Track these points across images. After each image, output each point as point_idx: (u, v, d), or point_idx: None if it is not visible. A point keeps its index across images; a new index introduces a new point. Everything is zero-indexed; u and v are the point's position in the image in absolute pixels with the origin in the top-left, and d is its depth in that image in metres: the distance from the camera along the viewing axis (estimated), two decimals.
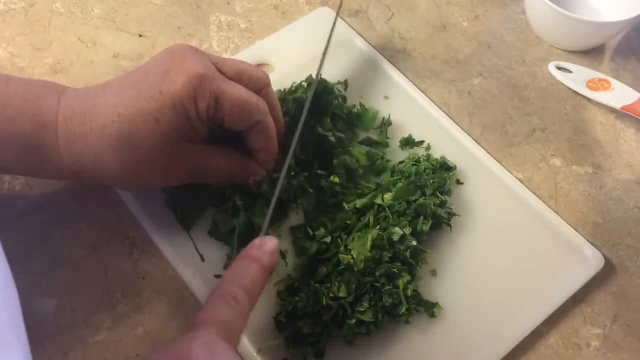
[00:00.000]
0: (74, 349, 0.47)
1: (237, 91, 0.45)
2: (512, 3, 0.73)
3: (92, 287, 0.49)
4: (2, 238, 0.50)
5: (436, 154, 0.57)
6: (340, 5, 0.58)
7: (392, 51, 0.66)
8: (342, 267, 0.48)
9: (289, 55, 0.62)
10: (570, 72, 0.67)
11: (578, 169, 0.61)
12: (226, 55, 0.64)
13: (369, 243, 0.48)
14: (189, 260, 0.50)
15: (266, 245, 0.42)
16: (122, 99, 0.43)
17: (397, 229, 0.49)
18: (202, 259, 0.50)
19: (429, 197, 0.52)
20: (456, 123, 0.61)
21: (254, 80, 0.48)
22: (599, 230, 0.57)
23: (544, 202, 0.57)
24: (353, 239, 0.49)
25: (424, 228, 0.50)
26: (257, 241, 0.43)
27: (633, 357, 0.51)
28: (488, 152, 0.59)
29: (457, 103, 0.63)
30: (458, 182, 0.57)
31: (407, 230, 0.49)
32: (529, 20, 0.70)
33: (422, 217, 0.51)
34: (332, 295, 0.47)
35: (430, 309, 0.50)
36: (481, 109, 0.63)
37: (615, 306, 0.53)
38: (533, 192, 0.57)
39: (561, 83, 0.66)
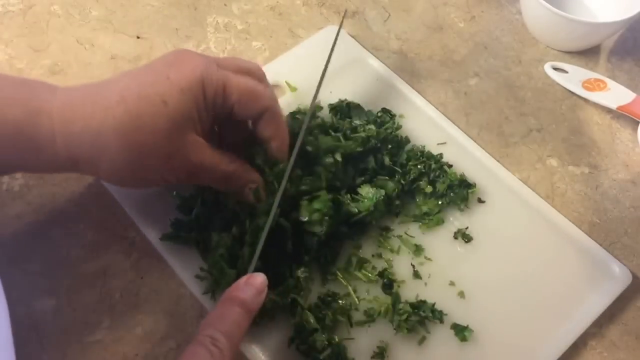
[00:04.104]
0: (73, 348, 0.47)
1: (244, 80, 0.45)
2: (508, 4, 0.73)
3: (91, 287, 0.50)
4: (1, 239, 0.51)
5: (457, 171, 0.57)
6: (341, 23, 0.57)
7: (388, 52, 0.67)
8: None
9: (300, 76, 0.61)
10: (566, 72, 0.67)
11: (574, 169, 0.61)
12: (223, 57, 0.64)
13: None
14: (190, 266, 0.50)
15: (253, 283, 0.41)
16: (127, 84, 0.43)
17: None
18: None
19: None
20: (455, 124, 0.61)
21: (252, 74, 0.48)
22: (595, 230, 0.57)
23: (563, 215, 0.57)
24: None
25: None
26: (242, 280, 0.42)
27: (630, 356, 0.52)
28: (509, 170, 0.59)
29: (453, 103, 0.64)
30: (479, 200, 0.56)
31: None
32: (525, 21, 0.70)
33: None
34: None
35: (461, 332, 0.49)
36: (478, 110, 0.64)
37: (612, 306, 0.53)
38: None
39: (557, 83, 0.66)
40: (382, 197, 0.51)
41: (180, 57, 0.44)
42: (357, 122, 0.56)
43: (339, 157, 0.52)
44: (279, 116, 0.48)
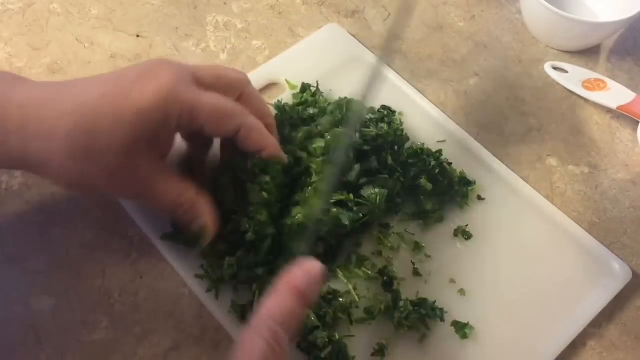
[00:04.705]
0: (72, 348, 0.47)
1: (213, 100, 0.44)
2: (508, 3, 0.73)
3: (90, 286, 0.49)
4: (0, 238, 0.51)
5: (456, 169, 0.57)
6: (386, 50, 0.54)
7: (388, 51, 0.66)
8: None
9: (299, 75, 0.61)
10: (566, 72, 0.67)
11: (574, 168, 0.61)
12: (223, 56, 0.64)
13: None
14: (189, 261, 0.50)
15: (311, 274, 0.38)
16: (87, 92, 0.42)
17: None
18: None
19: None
20: (457, 124, 0.61)
21: (234, 83, 0.47)
22: (594, 230, 0.57)
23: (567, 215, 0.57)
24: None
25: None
26: (299, 271, 0.38)
27: (629, 357, 0.52)
28: (510, 168, 0.58)
29: (453, 103, 0.64)
30: (479, 198, 0.56)
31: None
32: (525, 20, 0.70)
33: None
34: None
35: (461, 330, 0.49)
36: (478, 109, 0.64)
37: (611, 305, 0.53)
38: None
39: (557, 83, 0.66)
40: (384, 198, 0.51)
41: (151, 72, 0.43)
42: (369, 115, 0.56)
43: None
44: (254, 129, 0.46)
